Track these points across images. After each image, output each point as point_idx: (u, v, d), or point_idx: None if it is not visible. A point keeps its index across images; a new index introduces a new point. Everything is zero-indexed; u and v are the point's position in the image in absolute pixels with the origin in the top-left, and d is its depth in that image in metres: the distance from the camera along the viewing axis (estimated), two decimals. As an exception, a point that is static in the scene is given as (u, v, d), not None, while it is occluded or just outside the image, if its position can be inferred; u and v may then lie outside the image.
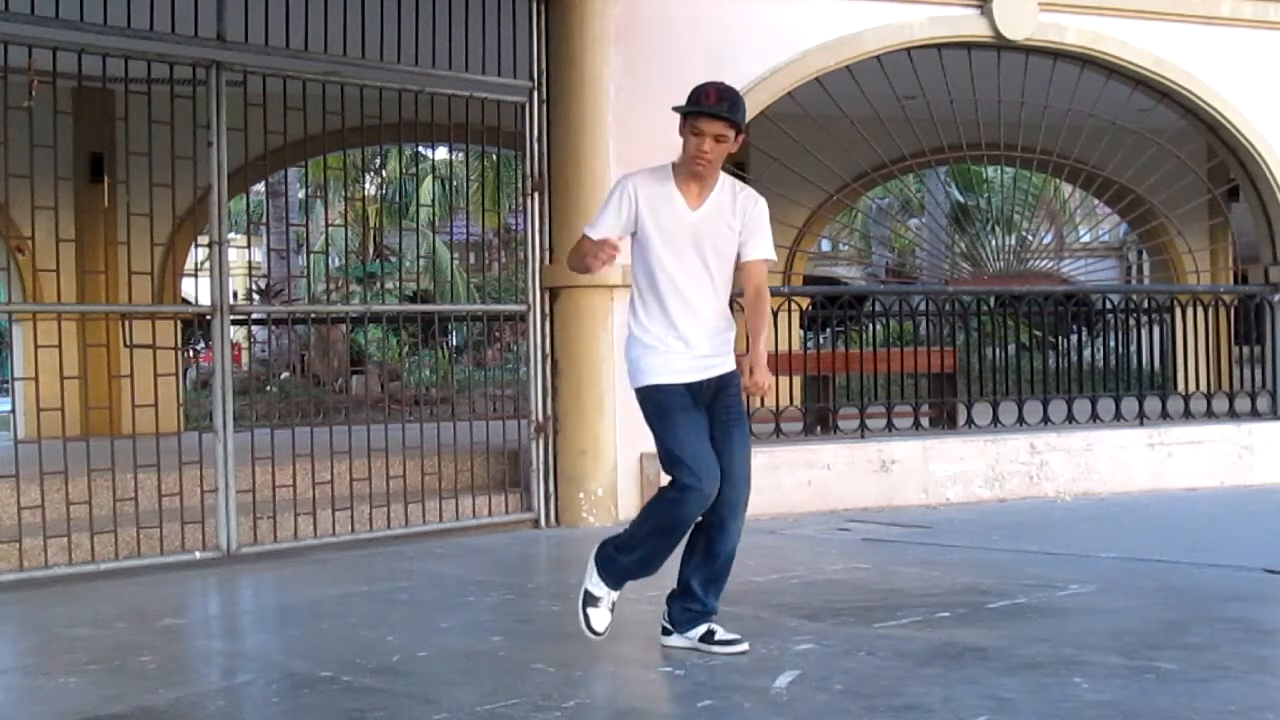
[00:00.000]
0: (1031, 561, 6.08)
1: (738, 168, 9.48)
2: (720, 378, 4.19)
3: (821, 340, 10.07)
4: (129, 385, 6.57)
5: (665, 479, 7.29)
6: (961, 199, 18.52)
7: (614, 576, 4.25)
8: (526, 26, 7.47)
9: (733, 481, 4.11)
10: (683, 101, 4.16)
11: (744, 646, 4.18)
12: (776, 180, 8.12)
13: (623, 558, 4.21)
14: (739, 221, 4.18)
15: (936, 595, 5.20)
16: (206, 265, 6.92)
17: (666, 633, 4.32)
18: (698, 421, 4.12)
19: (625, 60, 7.54)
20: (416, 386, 14.64)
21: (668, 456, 4.09)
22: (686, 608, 4.25)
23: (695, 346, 4.15)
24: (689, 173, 4.15)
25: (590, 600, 4.25)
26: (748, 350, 4.07)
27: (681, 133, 4.14)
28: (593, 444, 7.45)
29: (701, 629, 4.24)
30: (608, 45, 7.50)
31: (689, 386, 4.13)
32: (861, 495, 7.79)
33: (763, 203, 4.25)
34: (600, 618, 4.24)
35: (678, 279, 4.14)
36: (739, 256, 4.21)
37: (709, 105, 4.05)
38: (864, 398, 8.55)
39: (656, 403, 4.13)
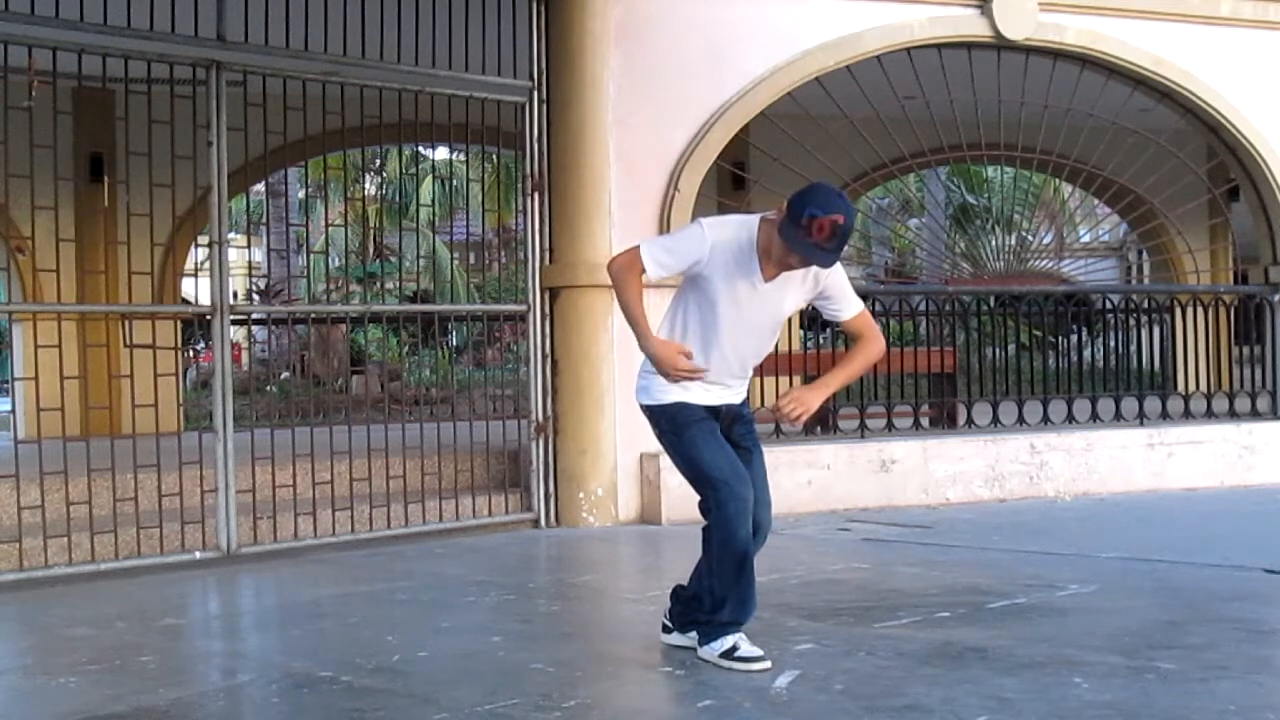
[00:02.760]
0: (1031, 561, 6.08)
1: (737, 168, 9.49)
2: (736, 406, 4.13)
3: (821, 340, 10.06)
4: (129, 385, 6.57)
5: (661, 475, 7.28)
6: (965, 199, 18.53)
7: (726, 631, 4.02)
8: (526, 26, 7.47)
9: (757, 508, 4.04)
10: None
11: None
12: (776, 180, 8.11)
13: (721, 614, 4.02)
14: (812, 288, 4.02)
15: (936, 595, 5.20)
16: (206, 265, 6.92)
17: (667, 630, 4.29)
18: (714, 430, 4.04)
19: (625, 60, 7.55)
20: (416, 386, 14.65)
21: (691, 471, 4.01)
22: (684, 612, 4.18)
23: (716, 383, 4.07)
24: (771, 258, 3.90)
25: (730, 655, 3.99)
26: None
27: (778, 235, 3.80)
28: (593, 444, 7.45)
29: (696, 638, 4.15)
30: (608, 45, 7.50)
31: (705, 407, 4.06)
32: (861, 495, 7.79)
33: (839, 269, 4.06)
34: (750, 651, 3.99)
35: (726, 335, 3.99)
36: (834, 317, 4.11)
37: (817, 243, 3.72)
38: (864, 398, 8.55)
39: (670, 417, 4.04)
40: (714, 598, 4.03)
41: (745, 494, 3.96)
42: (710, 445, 4.00)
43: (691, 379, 3.94)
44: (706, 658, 4.04)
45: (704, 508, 4.02)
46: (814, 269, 3.97)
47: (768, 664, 3.95)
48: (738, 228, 3.95)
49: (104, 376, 8.00)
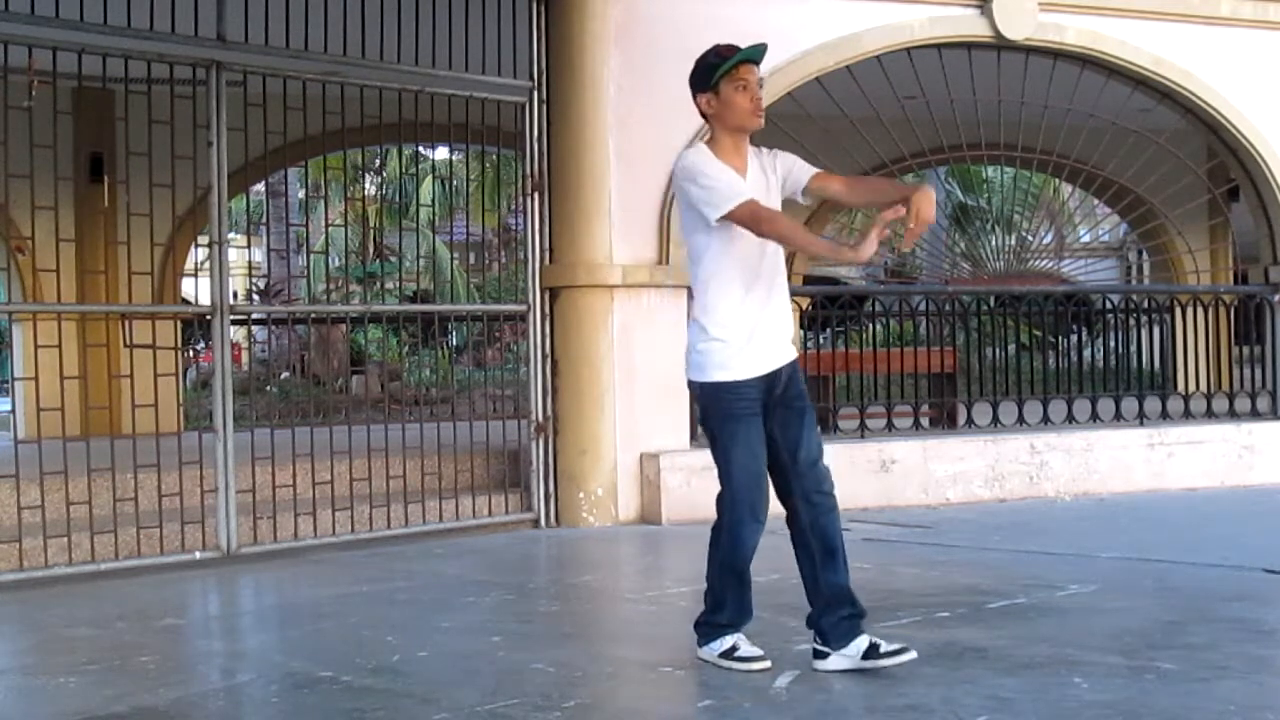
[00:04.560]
0: (1031, 561, 6.08)
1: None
2: (791, 364, 4.06)
3: (821, 340, 10.06)
4: (129, 385, 6.57)
5: (661, 475, 7.24)
6: (961, 199, 18.55)
7: (724, 632, 4.02)
8: (526, 26, 7.47)
9: (817, 467, 3.96)
10: (686, 91, 4.05)
11: (912, 654, 3.87)
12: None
13: (720, 616, 4.03)
14: (773, 171, 4.04)
15: (936, 595, 5.20)
16: (206, 265, 6.92)
17: (822, 656, 3.96)
18: (758, 428, 3.94)
19: (625, 60, 7.54)
20: (416, 386, 14.65)
21: (722, 471, 3.96)
22: (840, 618, 3.94)
23: (768, 330, 3.99)
24: (739, 136, 3.98)
25: (730, 655, 3.99)
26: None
27: (720, 99, 3.94)
28: (593, 444, 7.45)
29: (863, 643, 3.90)
30: (608, 45, 7.50)
31: (767, 379, 3.96)
32: (861, 495, 7.78)
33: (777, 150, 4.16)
34: (750, 651, 3.99)
35: (747, 257, 3.93)
36: (803, 182, 4.06)
37: (740, 52, 3.92)
38: (864, 398, 8.55)
39: (718, 400, 3.95)
40: (714, 598, 4.04)
41: (761, 513, 3.93)
42: (747, 449, 3.92)
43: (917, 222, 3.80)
44: (706, 658, 4.04)
45: (720, 506, 3.99)
46: (764, 157, 4.04)
47: (767, 664, 3.95)
48: (698, 150, 4.02)
49: (104, 376, 7.99)
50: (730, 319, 3.96)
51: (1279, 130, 9.08)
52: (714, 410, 3.99)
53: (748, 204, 3.88)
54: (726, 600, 4.02)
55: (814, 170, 4.12)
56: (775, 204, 4.05)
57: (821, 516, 3.96)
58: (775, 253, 4.05)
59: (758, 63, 3.99)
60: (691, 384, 4.08)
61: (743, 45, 4.11)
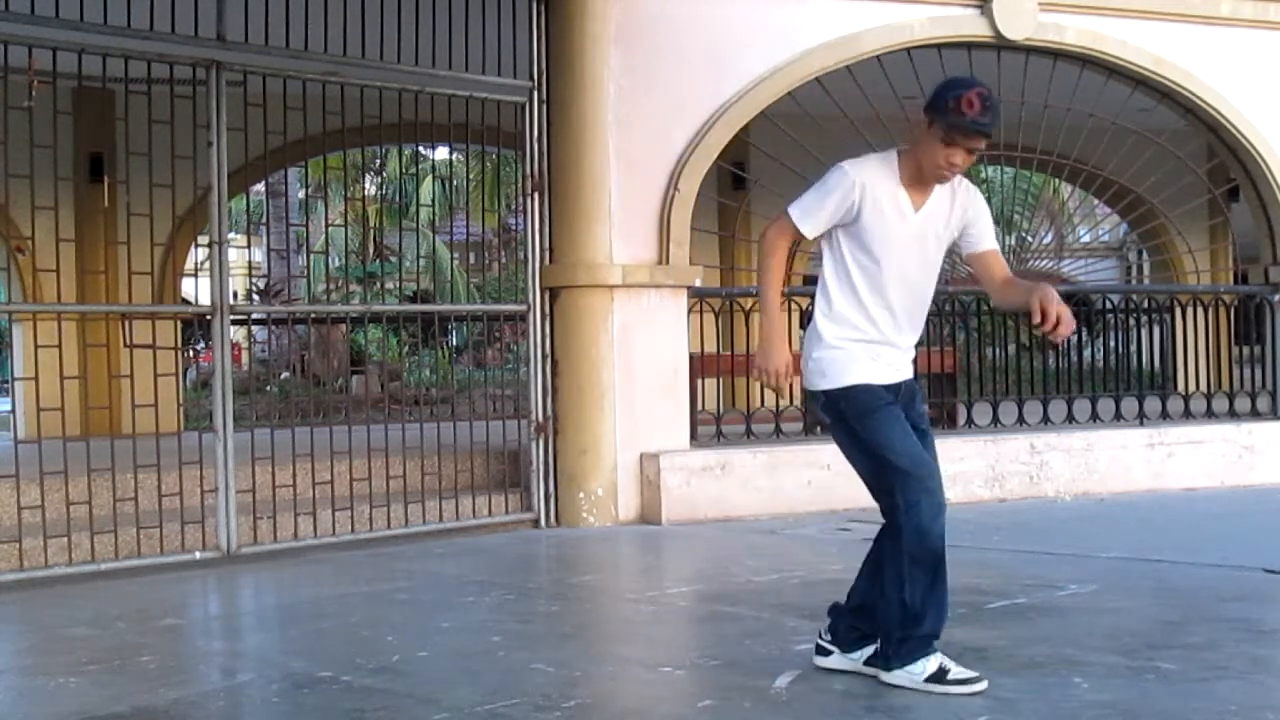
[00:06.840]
0: (1031, 561, 6.08)
1: (737, 168, 9.49)
2: (910, 383, 3.86)
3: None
4: (129, 385, 6.57)
5: (661, 475, 7.24)
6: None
7: (927, 649, 3.70)
8: (526, 26, 7.47)
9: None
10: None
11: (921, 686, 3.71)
12: (776, 180, 8.13)
13: (920, 629, 3.69)
14: (959, 218, 3.83)
15: (936, 595, 5.19)
16: (206, 265, 6.92)
17: (825, 653, 3.94)
18: (901, 416, 3.75)
19: (625, 60, 7.54)
20: (416, 386, 14.65)
21: (881, 465, 3.74)
22: (860, 632, 3.87)
23: (891, 348, 3.79)
24: (923, 177, 3.76)
25: (941, 679, 3.66)
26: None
27: (927, 134, 3.72)
28: (593, 444, 7.45)
29: (868, 650, 3.84)
30: (608, 45, 7.50)
31: (891, 389, 3.78)
32: (862, 495, 7.57)
33: (980, 194, 3.95)
34: (963, 672, 3.69)
35: (887, 282, 3.75)
36: (971, 247, 3.88)
37: (975, 119, 3.64)
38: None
39: (852, 400, 3.73)
40: (908, 610, 3.68)
41: (938, 489, 3.69)
42: (898, 432, 3.71)
43: (771, 387, 3.73)
44: (903, 684, 3.69)
45: (888, 506, 3.76)
46: (960, 194, 3.84)
47: (984, 684, 3.66)
48: (879, 162, 3.83)
49: (104, 376, 8.00)
50: (849, 328, 3.78)
51: (1279, 130, 9.09)
52: (850, 411, 3.76)
53: (787, 223, 3.77)
54: (927, 609, 3.67)
55: (990, 247, 3.92)
56: (939, 242, 3.85)
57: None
58: (923, 273, 3.82)
59: (985, 136, 3.71)
60: (815, 395, 3.85)
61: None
